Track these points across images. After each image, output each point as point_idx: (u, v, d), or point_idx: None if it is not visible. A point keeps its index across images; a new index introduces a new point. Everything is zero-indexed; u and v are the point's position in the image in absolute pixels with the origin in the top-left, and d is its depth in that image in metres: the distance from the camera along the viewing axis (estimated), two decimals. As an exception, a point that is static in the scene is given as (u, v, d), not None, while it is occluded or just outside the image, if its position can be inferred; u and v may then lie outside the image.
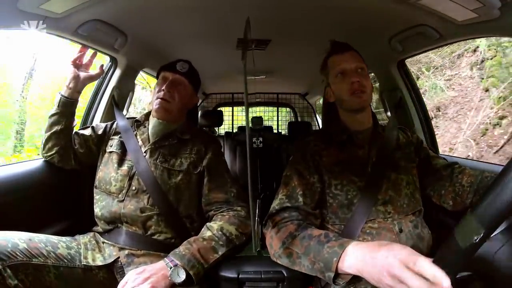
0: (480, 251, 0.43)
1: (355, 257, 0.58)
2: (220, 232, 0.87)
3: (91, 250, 0.88)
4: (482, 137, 3.48)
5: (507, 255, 0.43)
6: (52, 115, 0.99)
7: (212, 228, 0.88)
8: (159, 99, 0.98)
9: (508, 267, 0.44)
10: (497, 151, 3.25)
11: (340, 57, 0.90)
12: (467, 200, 0.81)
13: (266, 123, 3.49)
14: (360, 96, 0.86)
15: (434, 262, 0.48)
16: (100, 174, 0.98)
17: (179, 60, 1.03)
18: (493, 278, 0.48)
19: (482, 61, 3.78)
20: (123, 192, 0.92)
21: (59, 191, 1.07)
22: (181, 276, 0.75)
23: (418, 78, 4.24)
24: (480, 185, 0.79)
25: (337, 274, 0.61)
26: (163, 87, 0.98)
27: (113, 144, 1.01)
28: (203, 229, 0.90)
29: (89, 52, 1.07)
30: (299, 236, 0.71)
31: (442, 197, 0.88)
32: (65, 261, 0.80)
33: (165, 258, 0.79)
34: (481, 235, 0.41)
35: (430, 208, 0.90)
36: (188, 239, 0.85)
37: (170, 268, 0.76)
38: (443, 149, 3.61)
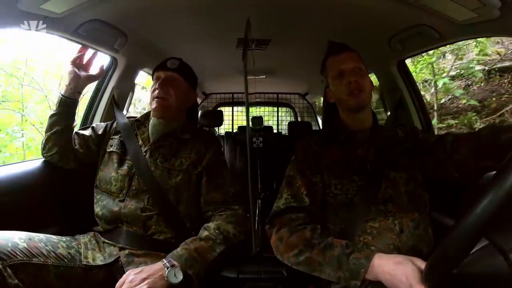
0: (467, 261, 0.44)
1: (379, 269, 0.65)
2: (217, 231, 0.87)
3: (91, 250, 0.88)
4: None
5: (484, 275, 0.44)
6: (53, 115, 0.98)
7: (209, 228, 0.88)
8: (155, 99, 0.98)
9: (490, 276, 0.44)
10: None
11: (337, 58, 0.90)
12: (471, 167, 0.78)
13: (265, 123, 3.48)
14: (358, 96, 0.86)
15: (424, 275, 0.52)
16: (100, 174, 0.98)
17: (169, 58, 1.03)
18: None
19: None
20: (123, 192, 0.92)
21: (59, 191, 1.07)
22: (178, 277, 0.76)
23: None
24: (479, 148, 0.75)
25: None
26: (157, 86, 0.99)
27: (113, 144, 1.01)
28: (200, 230, 0.90)
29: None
30: (320, 246, 0.72)
31: (445, 172, 0.84)
32: (65, 260, 0.80)
33: (163, 259, 0.79)
34: (466, 247, 0.41)
35: (431, 208, 0.90)
36: (186, 240, 0.86)
37: (167, 269, 0.76)
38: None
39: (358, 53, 0.92)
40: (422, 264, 0.60)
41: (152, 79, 1.06)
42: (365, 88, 0.87)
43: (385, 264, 0.64)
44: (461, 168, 0.81)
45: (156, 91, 0.98)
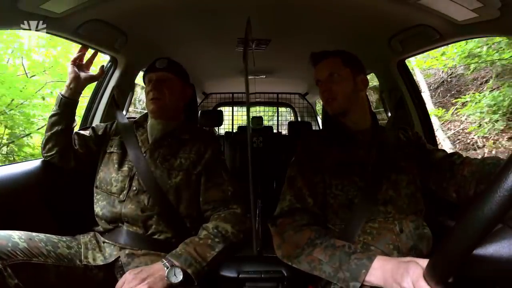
0: (473, 255, 0.43)
1: (381, 271, 0.63)
2: (215, 230, 0.87)
3: (91, 250, 0.88)
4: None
5: (499, 257, 0.43)
6: (53, 115, 0.98)
7: (208, 228, 0.89)
8: (150, 100, 0.99)
9: (500, 269, 0.44)
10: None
11: (316, 67, 0.93)
12: (470, 191, 0.80)
13: (265, 123, 3.49)
14: (330, 104, 0.90)
15: (427, 269, 0.50)
16: (100, 174, 0.98)
17: (157, 59, 1.04)
18: (486, 280, 0.48)
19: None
20: (124, 192, 0.92)
21: (59, 191, 1.07)
22: (178, 276, 0.76)
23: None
24: (482, 174, 0.78)
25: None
26: (150, 88, 0.99)
27: (113, 145, 1.01)
28: (199, 230, 0.91)
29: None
30: (323, 245, 0.72)
31: (445, 190, 0.86)
32: (65, 260, 0.80)
33: (163, 259, 0.80)
34: (471, 242, 0.41)
35: (431, 208, 0.90)
36: (185, 240, 0.86)
37: (167, 269, 0.76)
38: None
39: (340, 56, 0.90)
40: (424, 263, 0.59)
41: (144, 83, 1.06)
42: (337, 95, 0.88)
43: (387, 264, 0.63)
44: (460, 189, 0.83)
45: (151, 93, 0.99)
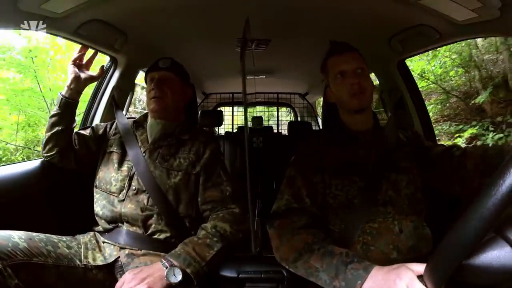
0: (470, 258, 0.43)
1: (374, 281, 0.62)
2: (213, 230, 0.87)
3: (91, 250, 0.88)
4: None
5: (495, 261, 0.44)
6: (53, 115, 0.98)
7: (206, 228, 0.89)
8: (152, 99, 0.99)
9: (497, 274, 0.44)
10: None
11: (339, 58, 0.89)
12: (474, 183, 0.79)
13: (265, 123, 3.49)
14: (359, 98, 0.86)
15: (426, 272, 0.50)
16: (100, 174, 0.98)
17: (160, 58, 1.04)
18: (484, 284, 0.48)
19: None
20: (123, 192, 0.93)
21: (59, 191, 1.07)
22: (177, 276, 0.76)
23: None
24: (486, 166, 0.77)
25: None
26: (153, 86, 1.00)
27: (113, 145, 1.01)
28: (198, 230, 0.91)
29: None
30: (320, 252, 0.71)
31: (448, 184, 0.86)
32: (65, 260, 0.80)
33: (162, 259, 0.80)
34: (468, 244, 0.41)
35: (431, 209, 0.90)
36: (184, 240, 0.86)
37: (166, 268, 0.76)
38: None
39: (360, 53, 0.91)
40: (418, 267, 0.58)
41: (146, 81, 1.07)
42: (366, 89, 0.87)
43: (379, 273, 0.62)
44: (465, 183, 0.82)
45: (153, 91, 0.99)
